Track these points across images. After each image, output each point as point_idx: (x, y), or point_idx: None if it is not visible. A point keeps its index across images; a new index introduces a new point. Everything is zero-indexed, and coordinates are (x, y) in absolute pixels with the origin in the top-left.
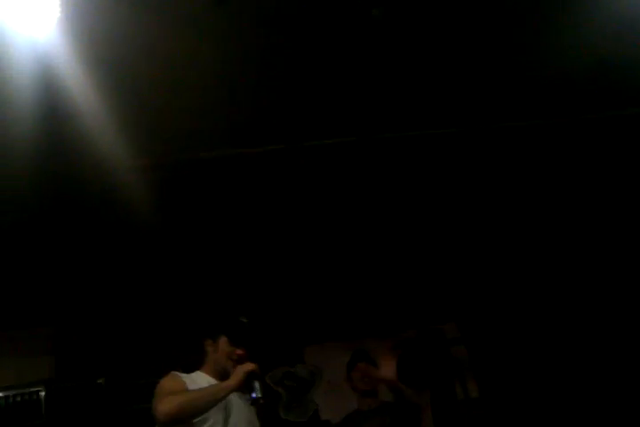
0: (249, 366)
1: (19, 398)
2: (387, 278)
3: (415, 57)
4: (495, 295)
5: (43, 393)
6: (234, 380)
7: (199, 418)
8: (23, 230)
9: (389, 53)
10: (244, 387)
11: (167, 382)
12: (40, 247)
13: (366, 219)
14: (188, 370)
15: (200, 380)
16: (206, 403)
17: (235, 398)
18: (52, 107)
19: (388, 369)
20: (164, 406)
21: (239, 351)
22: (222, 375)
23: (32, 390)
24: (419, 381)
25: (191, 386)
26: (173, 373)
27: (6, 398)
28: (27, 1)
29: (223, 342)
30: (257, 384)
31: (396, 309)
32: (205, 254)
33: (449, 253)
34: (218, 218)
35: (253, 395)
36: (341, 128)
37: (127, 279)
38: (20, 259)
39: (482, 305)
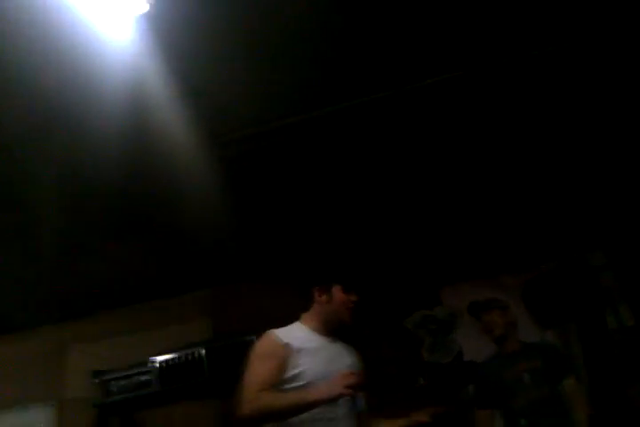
0: (349, 379)
1: (183, 359)
2: (521, 208)
3: None
4: None
5: (203, 352)
6: (327, 393)
7: (306, 383)
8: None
9: None
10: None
11: (261, 350)
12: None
13: (500, 151)
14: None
15: (298, 333)
16: (290, 414)
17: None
18: (135, 99)
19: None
20: (246, 408)
21: (354, 298)
22: (328, 325)
23: (194, 350)
24: (559, 317)
25: (290, 340)
26: (269, 333)
27: (172, 359)
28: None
29: (337, 290)
30: (360, 398)
31: (533, 240)
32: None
33: (590, 178)
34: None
35: (357, 404)
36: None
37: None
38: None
39: (629, 230)
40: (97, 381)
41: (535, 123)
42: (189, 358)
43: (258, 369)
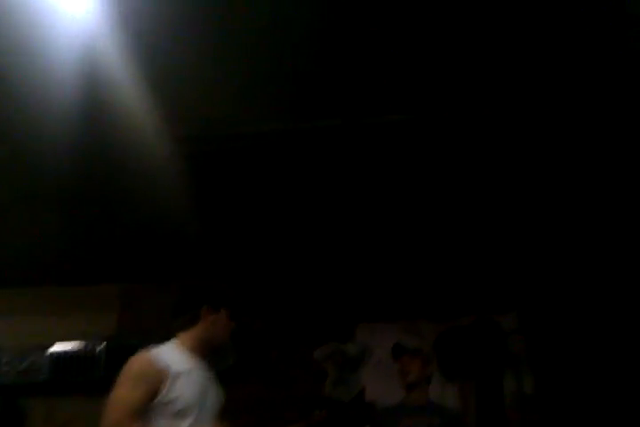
0: None
1: (81, 351)
2: (447, 262)
3: None
4: (562, 285)
5: (103, 347)
6: None
7: (179, 410)
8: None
9: None
10: None
11: (137, 371)
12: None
13: (433, 197)
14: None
15: (175, 354)
16: None
17: (208, 384)
18: (93, 79)
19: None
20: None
21: (234, 326)
22: (206, 347)
23: (94, 343)
24: (462, 372)
25: (170, 364)
26: (147, 353)
27: (69, 350)
28: None
29: (223, 314)
30: None
31: (453, 294)
32: (250, 232)
33: (514, 242)
34: (263, 192)
35: None
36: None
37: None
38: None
39: (546, 295)
40: None
41: (471, 180)
42: (88, 350)
43: (129, 392)
